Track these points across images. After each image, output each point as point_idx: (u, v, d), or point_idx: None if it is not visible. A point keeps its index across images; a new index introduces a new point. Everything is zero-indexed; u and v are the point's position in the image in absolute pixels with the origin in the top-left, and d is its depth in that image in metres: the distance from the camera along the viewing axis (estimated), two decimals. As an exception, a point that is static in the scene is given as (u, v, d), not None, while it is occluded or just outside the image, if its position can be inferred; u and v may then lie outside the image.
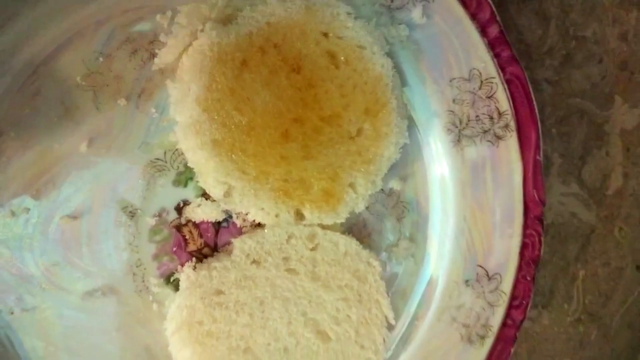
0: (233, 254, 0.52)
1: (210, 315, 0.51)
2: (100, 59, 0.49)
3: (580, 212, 0.66)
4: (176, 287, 0.53)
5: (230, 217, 0.54)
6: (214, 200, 0.52)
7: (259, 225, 0.54)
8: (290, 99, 0.50)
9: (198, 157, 0.49)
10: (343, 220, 0.53)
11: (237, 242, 0.53)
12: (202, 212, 0.52)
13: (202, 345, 0.50)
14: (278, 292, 0.52)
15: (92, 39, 0.49)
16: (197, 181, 0.52)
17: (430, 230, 0.57)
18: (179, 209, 0.53)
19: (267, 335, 0.52)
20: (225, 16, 0.50)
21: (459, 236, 0.56)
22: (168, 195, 0.52)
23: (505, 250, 0.55)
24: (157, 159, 0.52)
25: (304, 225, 0.53)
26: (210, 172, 0.49)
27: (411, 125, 0.55)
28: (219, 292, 0.52)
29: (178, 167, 0.52)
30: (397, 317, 0.56)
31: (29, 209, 0.50)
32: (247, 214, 0.52)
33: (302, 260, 0.53)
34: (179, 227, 0.53)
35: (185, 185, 0.53)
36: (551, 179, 0.64)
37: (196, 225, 0.53)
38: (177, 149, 0.52)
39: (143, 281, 0.52)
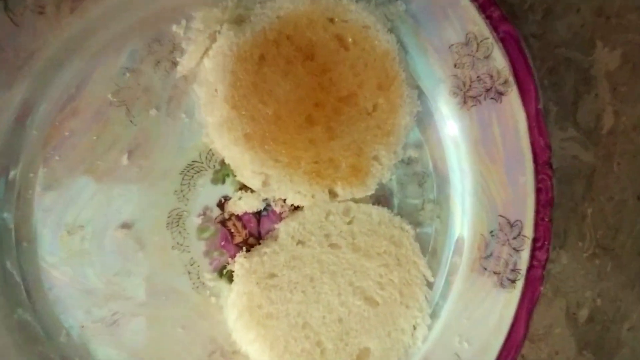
0: (279, 237, 0.53)
1: (267, 298, 0.51)
2: (127, 75, 0.50)
3: (580, 154, 0.66)
4: (229, 279, 0.53)
5: (269, 205, 0.54)
6: (253, 191, 0.52)
7: (297, 208, 0.54)
8: (309, 85, 0.50)
9: (233, 152, 0.50)
10: (372, 192, 0.54)
11: (281, 226, 0.53)
12: (243, 204, 0.53)
13: (264, 327, 0.51)
14: (325, 267, 0.53)
15: (117, 56, 0.49)
16: (235, 176, 0.52)
17: (451, 191, 0.58)
18: (221, 205, 0.53)
19: (321, 309, 0.52)
20: (238, 16, 0.50)
21: (478, 191, 0.56)
22: (209, 193, 0.53)
23: (521, 198, 0.55)
24: (194, 161, 0.52)
25: (339, 202, 0.54)
26: (246, 165, 0.50)
27: (420, 94, 0.55)
28: (272, 275, 0.52)
29: (214, 166, 0.53)
30: (433, 275, 0.56)
31: (83, 226, 0.50)
32: (285, 200, 0.53)
33: (341, 234, 0.53)
34: (223, 222, 0.53)
35: (224, 182, 0.53)
36: (549, 127, 0.61)
37: (239, 218, 0.54)
38: (210, 150, 0.52)
39: (199, 278, 0.53)
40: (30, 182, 0.49)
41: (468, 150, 0.56)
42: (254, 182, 0.51)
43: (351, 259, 0.54)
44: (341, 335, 0.53)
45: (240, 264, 0.52)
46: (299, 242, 0.53)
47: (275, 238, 0.53)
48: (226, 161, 0.52)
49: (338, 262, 0.53)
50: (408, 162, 0.58)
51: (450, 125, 0.57)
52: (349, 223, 0.54)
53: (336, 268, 0.53)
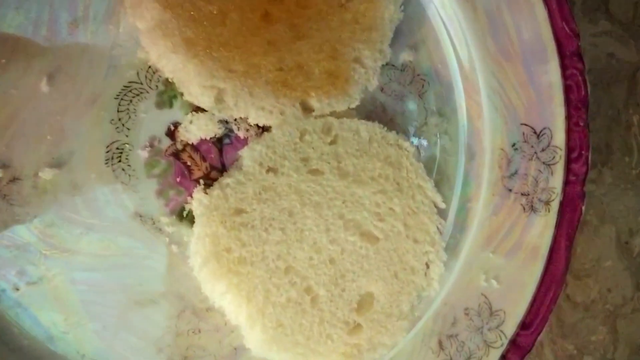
0: (244, 165, 0.48)
1: (237, 239, 0.47)
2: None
3: (617, 51, 0.63)
4: (192, 222, 0.49)
5: (232, 131, 0.50)
6: (207, 112, 0.48)
7: (266, 130, 0.50)
8: (261, -28, 0.45)
9: (174, 63, 0.45)
10: (357, 103, 0.50)
11: (245, 152, 0.49)
12: (197, 130, 0.49)
13: (236, 275, 0.47)
14: (306, 198, 0.49)
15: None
16: (182, 94, 0.47)
17: (458, 99, 0.54)
18: (170, 134, 0.49)
19: (306, 249, 0.49)
20: None
21: (493, 96, 0.52)
22: (154, 120, 0.48)
23: (547, 99, 0.52)
24: (131, 82, 0.47)
25: (316, 118, 0.50)
26: (192, 78, 0.45)
27: (407, -20, 0.51)
28: (240, 211, 0.48)
29: (157, 86, 0.48)
30: (445, 200, 0.53)
31: (4, 169, 0.46)
32: (247, 120, 0.48)
33: (323, 157, 0.50)
34: (176, 154, 0.49)
35: (171, 105, 0.49)
36: (577, 20, 0.58)
37: (195, 148, 0.50)
38: (150, 67, 0.48)
39: (153, 223, 0.49)
40: None
41: (475, 48, 0.52)
42: (204, 100, 0.47)
43: (338, 186, 0.50)
44: (335, 279, 0.49)
45: (198, 200, 0.48)
46: (270, 170, 0.49)
47: (240, 167, 0.49)
48: (167, 76, 0.47)
49: (322, 191, 0.50)
50: (402, 68, 0.53)
51: (450, 19, 0.52)
52: (332, 143, 0.51)
53: (320, 198, 0.49)
